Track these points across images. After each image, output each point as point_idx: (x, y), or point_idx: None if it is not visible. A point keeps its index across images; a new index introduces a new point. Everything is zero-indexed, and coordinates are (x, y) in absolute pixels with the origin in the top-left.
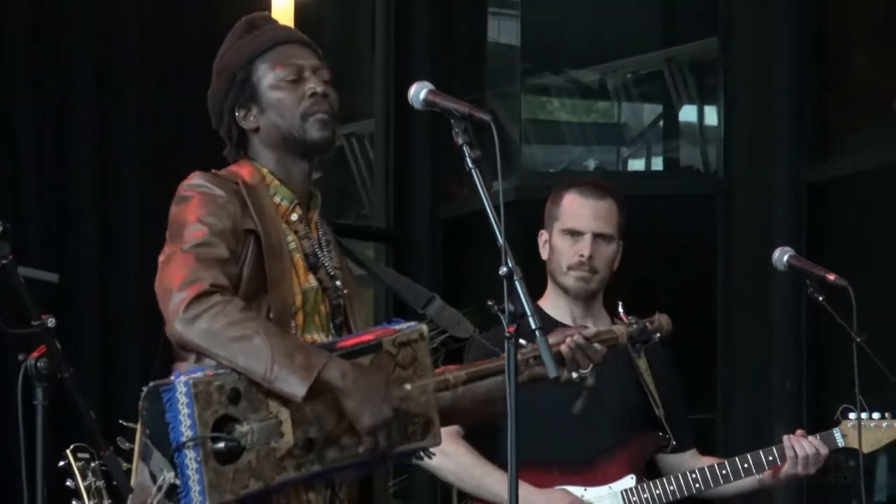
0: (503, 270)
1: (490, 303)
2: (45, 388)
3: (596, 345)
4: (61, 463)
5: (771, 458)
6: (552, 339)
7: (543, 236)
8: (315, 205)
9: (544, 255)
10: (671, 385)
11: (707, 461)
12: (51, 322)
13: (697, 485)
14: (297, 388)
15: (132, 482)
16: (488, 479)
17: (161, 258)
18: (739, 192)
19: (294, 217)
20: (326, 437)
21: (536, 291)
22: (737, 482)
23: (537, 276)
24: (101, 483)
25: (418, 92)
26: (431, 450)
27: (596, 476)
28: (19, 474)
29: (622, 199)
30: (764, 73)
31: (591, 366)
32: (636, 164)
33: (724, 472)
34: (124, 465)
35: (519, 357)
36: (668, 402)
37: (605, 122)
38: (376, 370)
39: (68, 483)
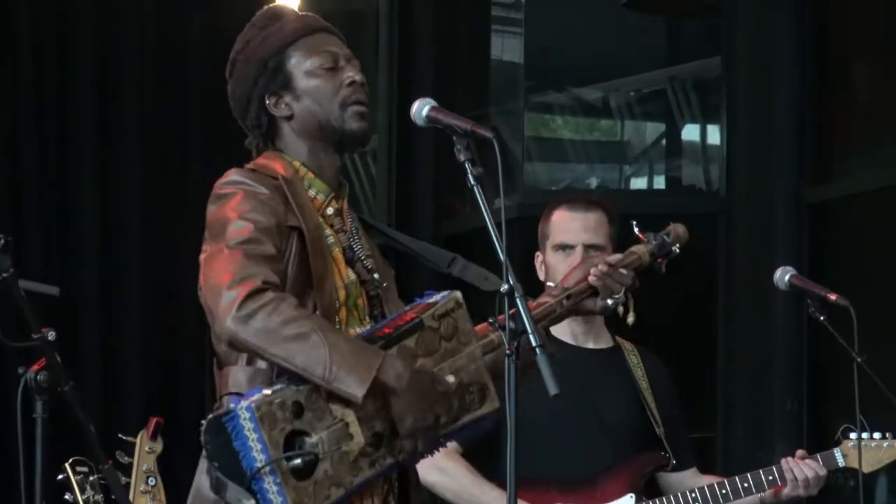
0: (504, 287)
1: (491, 320)
2: (44, 401)
3: (622, 270)
4: (60, 476)
5: (771, 477)
6: (577, 275)
7: (539, 258)
8: (343, 194)
9: (541, 275)
10: (671, 403)
11: (707, 480)
12: (51, 335)
13: None
14: (356, 389)
15: (130, 495)
16: (486, 497)
17: (202, 257)
18: (741, 211)
19: (330, 211)
20: (392, 429)
21: None
22: (737, 502)
23: (538, 293)
24: (99, 497)
25: (421, 108)
26: (424, 470)
27: (595, 495)
28: (18, 487)
29: (612, 211)
30: (766, 92)
31: (622, 290)
32: (638, 183)
33: (723, 491)
34: (123, 480)
35: (552, 301)
36: (669, 420)
37: (608, 141)
38: (424, 370)
39: (67, 497)
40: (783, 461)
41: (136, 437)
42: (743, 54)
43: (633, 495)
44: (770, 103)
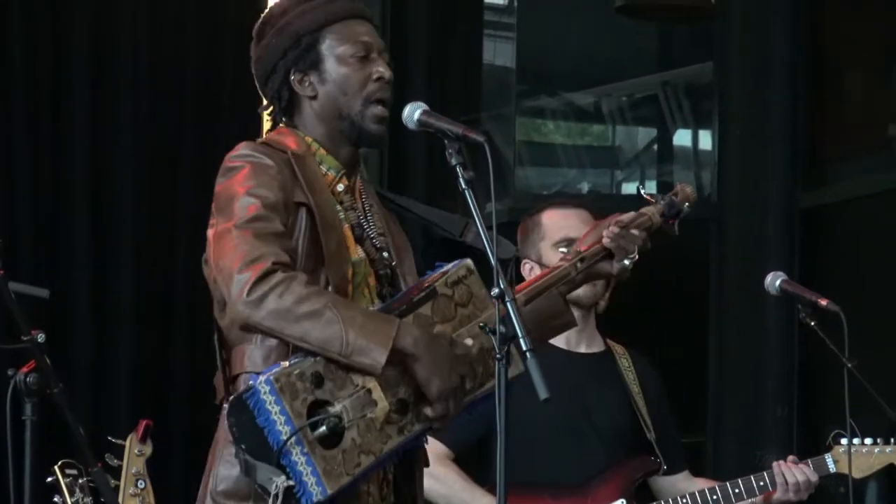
0: (495, 291)
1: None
2: (34, 403)
3: (633, 230)
4: (49, 479)
5: (762, 483)
6: (590, 238)
7: (528, 264)
8: (358, 171)
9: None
10: (662, 407)
11: (700, 483)
12: (41, 337)
13: None
14: (375, 359)
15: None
16: (477, 502)
17: (210, 232)
18: (733, 217)
19: (340, 188)
20: (416, 395)
21: None
22: None
23: None
24: (88, 500)
25: (412, 112)
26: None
27: (587, 500)
28: (7, 489)
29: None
30: (758, 98)
31: (635, 249)
32: (630, 188)
33: (714, 497)
34: (112, 482)
35: (566, 265)
36: (659, 424)
37: (600, 146)
38: (441, 335)
39: (56, 499)
40: (774, 466)
41: (125, 439)
42: (735, 60)
43: (624, 500)
44: (762, 109)
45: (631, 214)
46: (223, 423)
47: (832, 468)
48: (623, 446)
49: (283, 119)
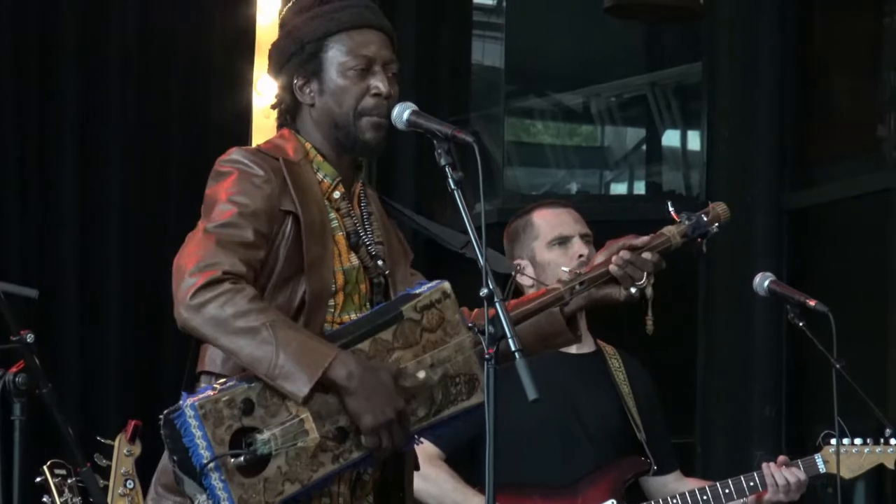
0: (484, 292)
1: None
2: (22, 403)
3: (646, 254)
4: (38, 479)
5: (752, 483)
6: (600, 257)
7: (522, 263)
8: (358, 177)
9: (525, 281)
10: (653, 407)
11: (690, 483)
12: (30, 337)
13: None
14: (298, 387)
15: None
16: (469, 503)
17: (191, 233)
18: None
19: (336, 195)
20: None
21: None
22: None
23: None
24: (77, 500)
25: (401, 112)
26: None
27: (577, 500)
28: None
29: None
30: (747, 98)
31: (644, 277)
32: (619, 188)
33: (705, 497)
34: (101, 482)
35: (561, 287)
36: (650, 424)
37: (588, 146)
38: (383, 367)
39: (45, 499)
40: (764, 466)
41: (114, 439)
42: (724, 60)
43: (614, 501)
44: (750, 109)
45: (646, 238)
46: None
47: (822, 468)
48: (613, 447)
49: (288, 119)
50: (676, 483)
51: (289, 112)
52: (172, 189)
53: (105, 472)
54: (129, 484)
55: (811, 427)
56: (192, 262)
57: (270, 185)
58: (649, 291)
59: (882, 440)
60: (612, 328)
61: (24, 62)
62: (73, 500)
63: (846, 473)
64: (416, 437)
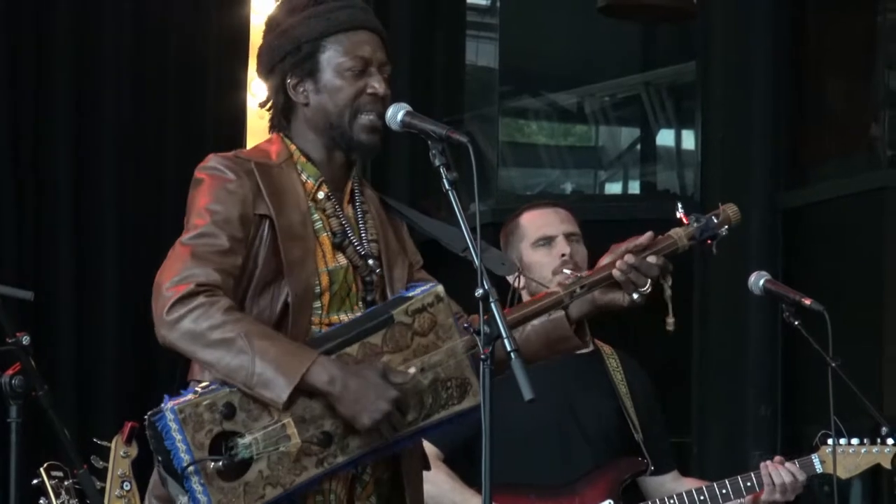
0: (479, 292)
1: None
2: (19, 405)
3: (651, 258)
4: (35, 481)
5: (749, 483)
6: (605, 260)
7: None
8: (351, 175)
9: (518, 283)
10: (650, 407)
11: (688, 483)
12: (26, 340)
13: None
14: (277, 394)
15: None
16: None
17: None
18: None
19: (321, 195)
20: (346, 427)
21: None
22: None
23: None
24: (74, 501)
25: (396, 113)
26: None
27: (574, 501)
28: None
29: (571, 209)
30: (741, 98)
31: (648, 283)
32: (613, 188)
33: (702, 497)
34: (98, 484)
35: (561, 291)
36: (647, 424)
37: (583, 146)
38: (369, 366)
39: (42, 501)
40: (762, 466)
41: (110, 441)
42: (718, 60)
43: (611, 501)
44: (744, 109)
45: (649, 237)
46: None
47: (819, 468)
48: (610, 447)
49: (281, 120)
50: (674, 483)
51: (282, 113)
52: (168, 191)
53: (102, 474)
54: (126, 486)
55: (807, 426)
56: (168, 277)
57: (243, 188)
58: (668, 292)
59: (878, 440)
60: (609, 328)
61: (18, 64)
62: (70, 502)
63: (843, 473)
64: (410, 439)
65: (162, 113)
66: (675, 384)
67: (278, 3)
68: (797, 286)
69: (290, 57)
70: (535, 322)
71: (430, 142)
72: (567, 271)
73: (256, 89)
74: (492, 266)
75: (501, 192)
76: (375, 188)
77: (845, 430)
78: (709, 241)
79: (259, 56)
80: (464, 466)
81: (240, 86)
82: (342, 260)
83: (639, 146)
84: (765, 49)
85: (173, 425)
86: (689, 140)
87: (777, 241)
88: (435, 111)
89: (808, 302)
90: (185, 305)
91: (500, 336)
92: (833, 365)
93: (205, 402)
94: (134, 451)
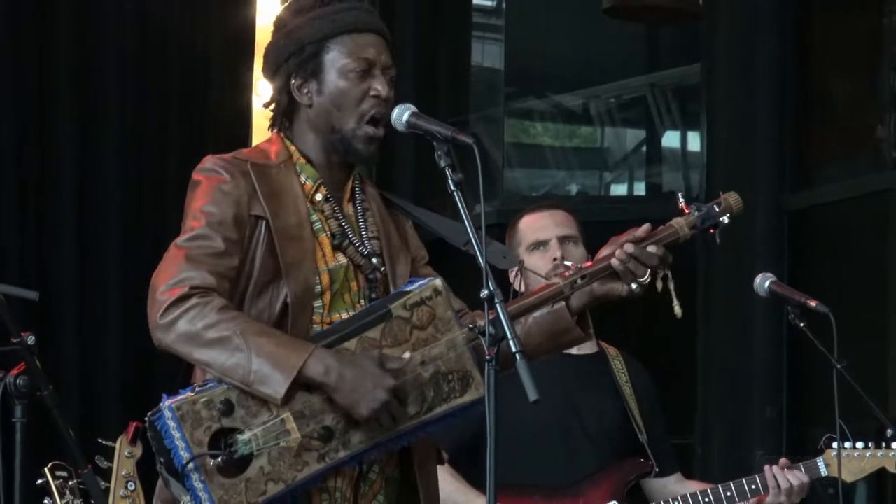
0: (484, 293)
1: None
2: (24, 405)
3: (651, 248)
4: (39, 481)
5: (754, 486)
6: (605, 252)
7: (513, 271)
8: (352, 175)
9: (519, 287)
10: (654, 409)
11: (692, 486)
12: (30, 340)
13: None
14: (275, 389)
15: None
16: None
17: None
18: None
19: (319, 197)
20: (347, 422)
21: None
22: None
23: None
24: (79, 502)
25: (401, 114)
26: None
27: (578, 502)
28: None
29: (572, 210)
30: (746, 99)
31: (647, 273)
32: (619, 189)
33: (706, 500)
34: (102, 484)
35: (560, 282)
36: (651, 426)
37: (588, 147)
38: (363, 352)
39: (46, 501)
40: (766, 469)
41: (115, 441)
42: (722, 61)
43: (615, 503)
44: (750, 110)
45: (647, 227)
46: None
47: (824, 472)
48: (614, 448)
49: (284, 121)
50: (677, 485)
51: (284, 113)
52: (171, 192)
53: (106, 474)
54: (131, 486)
55: (812, 428)
56: (163, 280)
57: (238, 189)
58: (670, 284)
59: (883, 443)
60: (613, 329)
61: (21, 65)
62: (75, 502)
63: (848, 477)
64: (412, 433)
65: (166, 114)
66: (680, 386)
67: (286, 3)
68: (802, 288)
69: (294, 57)
70: (537, 314)
71: (435, 143)
72: (568, 263)
73: (262, 90)
74: (494, 260)
75: (507, 192)
76: (381, 189)
77: (850, 432)
78: (711, 231)
79: (265, 56)
80: (467, 467)
81: (245, 86)
82: (342, 259)
83: (644, 147)
84: (770, 50)
85: (171, 423)
86: (694, 141)
87: (782, 242)
88: (440, 112)
89: (813, 304)
90: (179, 308)
91: (504, 337)
92: (838, 367)
93: (202, 400)
94: (138, 451)
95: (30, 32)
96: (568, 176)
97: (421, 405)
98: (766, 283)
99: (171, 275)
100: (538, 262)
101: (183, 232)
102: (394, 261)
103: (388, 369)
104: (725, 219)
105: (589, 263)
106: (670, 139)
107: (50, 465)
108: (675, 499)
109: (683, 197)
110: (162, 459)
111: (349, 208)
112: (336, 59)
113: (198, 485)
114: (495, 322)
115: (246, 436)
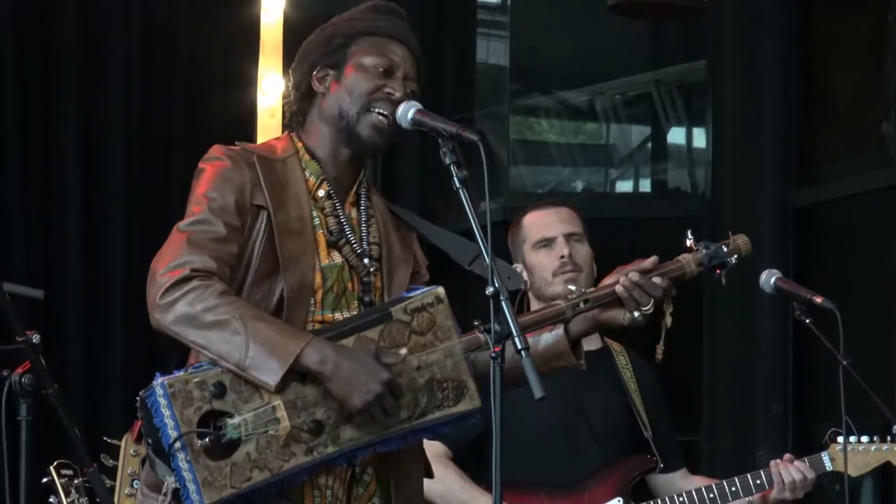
0: (490, 290)
1: (476, 323)
2: (29, 403)
3: (656, 279)
4: (45, 479)
5: (759, 481)
6: (609, 279)
7: (518, 268)
8: (359, 177)
9: (524, 286)
10: (659, 405)
11: (697, 481)
12: (36, 338)
13: None
14: (270, 376)
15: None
16: (476, 502)
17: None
18: (727, 215)
19: (321, 193)
20: (339, 417)
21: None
22: None
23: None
24: (84, 500)
25: (406, 111)
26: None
27: (583, 499)
28: (3, 490)
29: (577, 207)
30: (751, 95)
31: (651, 302)
32: (624, 186)
33: (711, 495)
34: (108, 483)
35: (563, 304)
36: (657, 422)
37: (594, 144)
38: (360, 347)
39: (52, 500)
40: (771, 464)
41: (120, 439)
42: (728, 58)
43: (620, 499)
44: (755, 106)
45: (654, 259)
46: None
47: (829, 466)
48: (619, 445)
49: (296, 118)
50: (683, 481)
51: (299, 106)
52: (176, 190)
53: (111, 473)
54: (136, 484)
55: (818, 424)
56: (163, 263)
57: (241, 176)
58: (668, 320)
59: (889, 437)
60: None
61: (25, 62)
62: (80, 500)
63: (853, 471)
64: (403, 438)
65: (171, 112)
66: (686, 382)
67: (290, 1)
68: (808, 284)
69: (322, 48)
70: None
71: (440, 140)
72: (572, 287)
73: (266, 87)
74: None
75: (512, 189)
76: (385, 187)
77: (856, 429)
78: (718, 270)
79: (297, 57)
80: (472, 465)
81: (250, 84)
82: (337, 258)
83: (649, 144)
84: (774, 47)
85: (162, 401)
86: (699, 138)
87: (788, 239)
88: (445, 109)
89: (819, 300)
90: (179, 289)
91: (510, 335)
92: (844, 363)
93: (195, 380)
94: (144, 449)
95: (34, 31)
96: (573, 173)
97: (413, 410)
98: (772, 280)
99: (173, 257)
100: (544, 261)
101: (185, 216)
102: (392, 270)
103: (384, 363)
104: (733, 259)
105: (593, 289)
106: (676, 136)
107: (55, 463)
108: (679, 495)
109: (693, 234)
110: (150, 440)
111: (352, 211)
112: (360, 54)
113: (183, 465)
114: (500, 319)
115: (236, 420)
